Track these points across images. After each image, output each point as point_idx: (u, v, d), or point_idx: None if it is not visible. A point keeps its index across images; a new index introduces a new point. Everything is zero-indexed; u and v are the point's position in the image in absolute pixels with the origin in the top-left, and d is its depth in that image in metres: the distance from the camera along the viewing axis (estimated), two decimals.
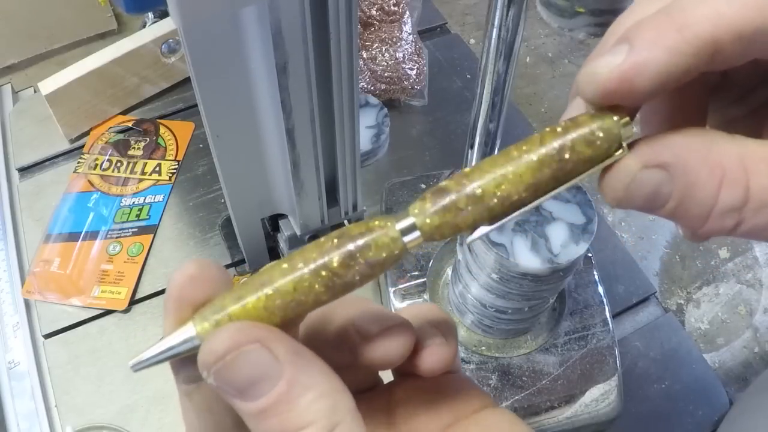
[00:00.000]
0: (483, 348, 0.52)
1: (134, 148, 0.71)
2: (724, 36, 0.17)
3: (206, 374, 0.18)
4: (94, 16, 0.83)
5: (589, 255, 0.57)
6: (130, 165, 0.69)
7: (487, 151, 0.50)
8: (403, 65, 0.72)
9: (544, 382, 0.51)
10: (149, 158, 0.70)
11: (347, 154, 0.47)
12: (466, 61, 0.80)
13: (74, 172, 0.69)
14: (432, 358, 0.22)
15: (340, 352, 0.22)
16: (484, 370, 0.52)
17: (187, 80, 0.75)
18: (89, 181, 0.68)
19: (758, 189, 0.17)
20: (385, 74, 0.72)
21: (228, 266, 0.62)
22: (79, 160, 0.70)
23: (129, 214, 0.65)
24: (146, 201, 0.66)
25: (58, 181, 0.68)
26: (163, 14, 0.76)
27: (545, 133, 0.19)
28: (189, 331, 0.19)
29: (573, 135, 0.18)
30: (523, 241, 0.41)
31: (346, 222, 0.54)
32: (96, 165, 0.69)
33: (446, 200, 0.19)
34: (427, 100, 0.74)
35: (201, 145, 0.71)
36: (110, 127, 0.72)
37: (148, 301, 0.60)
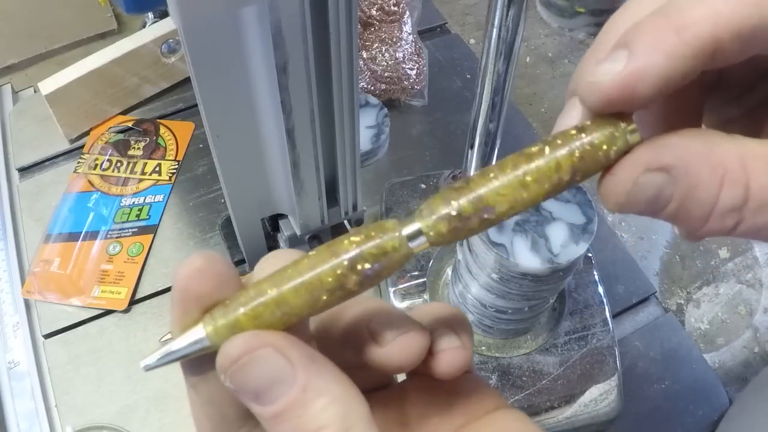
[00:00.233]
0: (483, 348, 0.52)
1: (134, 148, 0.71)
2: (723, 35, 0.16)
3: (223, 377, 0.18)
4: (94, 16, 0.83)
5: (589, 255, 0.57)
6: (130, 165, 0.69)
7: (487, 151, 0.50)
8: (403, 65, 0.72)
9: (544, 382, 0.51)
10: (149, 158, 0.70)
11: (347, 154, 0.47)
12: (466, 61, 0.80)
13: (74, 172, 0.69)
14: (448, 362, 0.22)
15: (353, 352, 0.22)
16: (484, 370, 0.52)
17: (187, 80, 0.75)
18: (89, 181, 0.68)
19: (758, 188, 0.17)
20: (385, 74, 0.72)
21: None
22: (79, 160, 0.70)
23: (129, 214, 0.65)
24: (146, 201, 0.66)
25: (58, 181, 0.68)
26: (163, 14, 0.76)
27: (552, 142, 0.19)
28: (199, 332, 0.19)
29: (582, 145, 0.18)
30: (523, 241, 0.41)
31: (346, 222, 0.54)
32: (96, 165, 0.69)
33: (453, 207, 0.19)
34: (427, 100, 0.74)
35: (201, 145, 0.71)
36: (110, 127, 0.72)
37: (148, 301, 0.60)
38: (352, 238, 0.19)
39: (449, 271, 0.57)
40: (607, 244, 0.66)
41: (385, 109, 0.70)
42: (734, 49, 0.17)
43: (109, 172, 0.68)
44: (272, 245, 0.57)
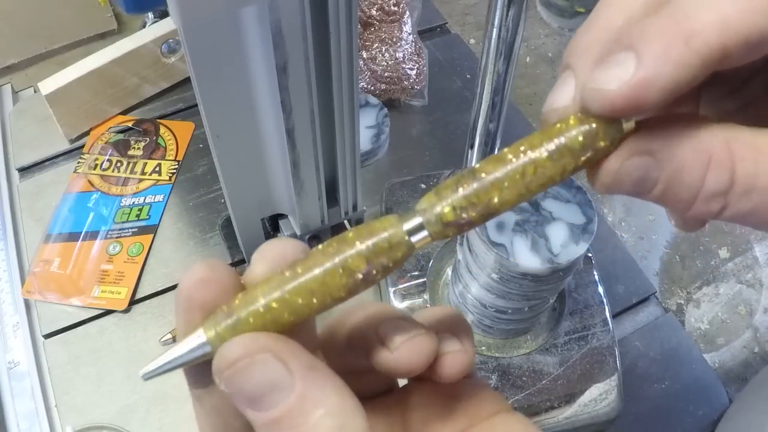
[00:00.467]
0: (483, 348, 0.52)
1: (134, 148, 0.71)
2: (732, 43, 0.16)
3: (218, 380, 0.18)
4: (94, 16, 0.83)
5: (589, 255, 0.57)
6: (130, 165, 0.69)
7: (487, 151, 0.50)
8: (403, 65, 0.72)
9: (544, 382, 0.51)
10: (149, 158, 0.70)
11: (347, 154, 0.47)
12: (466, 61, 0.80)
13: (74, 172, 0.69)
14: (450, 365, 0.22)
15: (359, 355, 0.22)
16: (484, 370, 0.52)
17: (187, 80, 0.75)
18: (89, 181, 0.68)
19: (743, 174, 0.17)
20: (385, 74, 0.72)
21: None
22: (79, 160, 0.70)
23: (129, 214, 0.65)
24: (146, 201, 0.66)
25: (58, 181, 0.68)
26: (163, 14, 0.76)
27: (551, 133, 0.19)
28: (199, 338, 0.19)
29: (580, 134, 0.18)
30: (523, 241, 0.41)
31: (346, 222, 0.54)
32: (96, 165, 0.69)
33: (453, 200, 0.19)
34: (427, 100, 0.74)
35: (201, 145, 0.71)
36: (110, 127, 0.72)
37: (148, 301, 0.60)
38: (353, 236, 0.19)
39: (449, 271, 0.57)
40: (607, 244, 0.66)
41: (385, 109, 0.70)
42: (741, 55, 0.17)
43: (109, 172, 0.68)
44: None
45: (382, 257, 0.19)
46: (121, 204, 0.66)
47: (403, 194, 0.61)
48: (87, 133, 0.72)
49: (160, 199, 0.66)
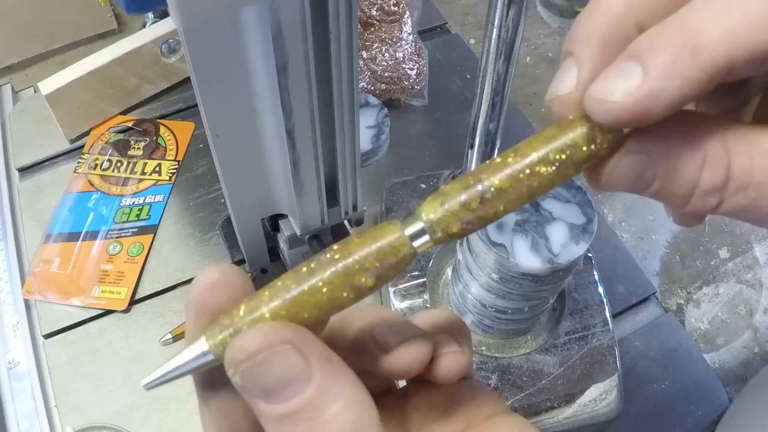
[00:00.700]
0: (483, 348, 0.52)
1: (134, 148, 0.71)
2: (739, 57, 0.16)
3: (233, 371, 0.18)
4: (94, 16, 0.83)
5: (589, 255, 0.57)
6: (130, 165, 0.69)
7: (487, 151, 0.50)
8: (403, 65, 0.72)
9: (544, 382, 0.51)
10: (149, 158, 0.70)
11: (347, 154, 0.47)
12: (466, 61, 0.80)
13: (74, 172, 0.69)
14: (447, 366, 0.22)
15: (357, 358, 0.22)
16: (484, 370, 0.52)
17: (187, 80, 0.75)
18: (89, 181, 0.68)
19: (739, 169, 0.17)
20: (385, 74, 0.72)
21: None
22: (79, 160, 0.70)
23: (129, 214, 0.65)
24: (146, 201, 0.66)
25: (58, 181, 0.68)
26: (163, 14, 0.76)
27: (551, 135, 0.18)
28: (201, 347, 0.18)
29: (581, 135, 0.18)
30: (523, 241, 0.41)
31: (346, 222, 0.54)
32: (96, 165, 0.69)
33: (454, 204, 0.19)
34: (427, 100, 0.74)
35: (201, 145, 0.71)
36: (110, 127, 0.72)
37: (148, 301, 0.60)
38: (356, 242, 0.19)
39: (449, 271, 0.57)
40: (607, 244, 0.66)
41: (385, 109, 0.70)
42: (747, 68, 0.17)
43: (109, 172, 0.68)
44: (272, 245, 0.57)
45: (386, 263, 0.18)
46: (121, 204, 0.66)
47: (403, 194, 0.61)
48: (87, 133, 0.72)
49: (160, 199, 0.66)
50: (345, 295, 0.18)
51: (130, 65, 0.70)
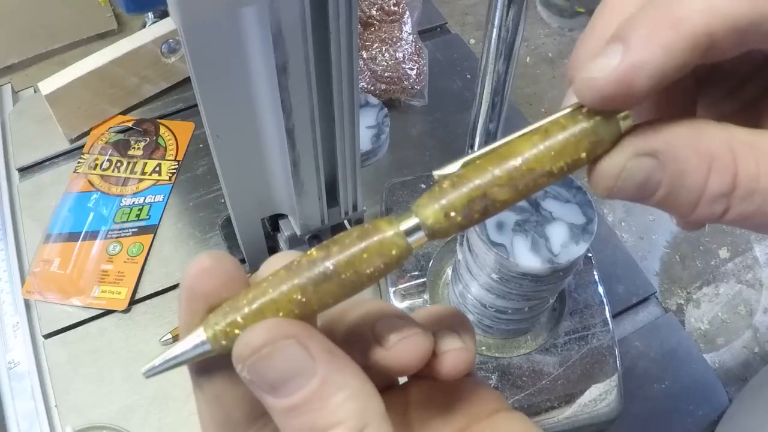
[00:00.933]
0: (483, 348, 0.52)
1: (134, 148, 0.71)
2: (719, 30, 0.16)
3: (240, 367, 0.18)
4: (94, 16, 0.83)
5: (589, 255, 0.57)
6: (130, 165, 0.69)
7: None
8: (403, 65, 0.72)
9: (544, 382, 0.51)
10: (149, 158, 0.70)
11: (347, 154, 0.47)
12: (466, 61, 0.80)
13: (74, 172, 0.69)
14: (450, 363, 0.22)
15: (354, 353, 0.22)
16: (484, 370, 0.52)
17: (187, 80, 0.75)
18: (89, 181, 0.68)
19: (746, 176, 0.17)
20: (385, 74, 0.72)
21: None
22: (79, 160, 0.70)
23: (129, 214, 0.65)
24: (146, 201, 0.66)
25: (58, 181, 0.68)
26: (163, 14, 0.76)
27: (548, 130, 0.19)
28: (198, 337, 0.19)
29: (578, 132, 0.18)
30: (523, 241, 0.41)
31: (346, 222, 0.54)
32: (96, 165, 0.69)
33: (449, 200, 0.19)
34: (427, 100, 0.74)
35: (201, 145, 0.71)
36: (110, 127, 0.72)
37: (148, 301, 0.60)
38: (353, 236, 0.19)
39: (449, 271, 0.57)
40: (607, 244, 0.66)
41: (385, 109, 0.70)
42: (730, 43, 0.17)
43: (109, 172, 0.68)
44: (272, 245, 0.57)
45: (380, 258, 0.18)
46: (121, 204, 0.66)
47: (403, 194, 0.61)
48: (87, 133, 0.72)
49: (160, 199, 0.66)
50: (339, 288, 0.19)
51: (130, 65, 0.70)
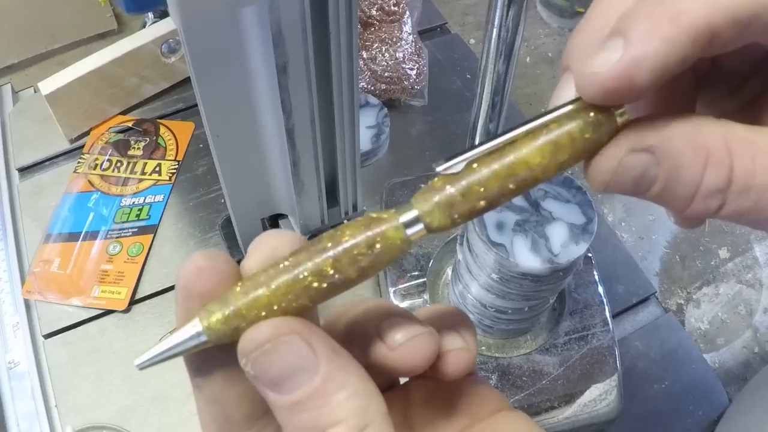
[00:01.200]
0: (483, 348, 0.52)
1: (134, 148, 0.71)
2: (720, 22, 0.16)
3: (245, 362, 0.18)
4: (94, 16, 0.83)
5: (589, 255, 0.57)
6: (130, 165, 0.69)
7: None
8: (403, 65, 0.72)
9: (543, 382, 0.51)
10: (149, 158, 0.70)
11: (347, 154, 0.47)
12: (466, 61, 0.80)
13: (74, 172, 0.69)
14: (452, 362, 0.22)
15: (355, 351, 0.22)
16: (484, 370, 0.52)
17: (187, 80, 0.75)
18: (89, 181, 0.68)
19: (742, 172, 0.17)
20: (385, 74, 0.72)
21: None
22: (79, 160, 0.70)
23: (129, 214, 0.65)
24: (146, 201, 0.66)
25: (58, 181, 0.68)
26: (163, 14, 0.76)
27: (545, 125, 0.19)
28: (194, 327, 0.19)
29: (574, 127, 0.18)
30: (523, 241, 0.41)
31: (346, 222, 0.54)
32: (96, 165, 0.69)
33: (448, 193, 0.19)
34: (427, 100, 0.74)
35: (201, 145, 0.71)
36: (110, 127, 0.72)
37: (148, 301, 0.60)
38: (351, 228, 0.19)
39: (449, 271, 0.57)
40: (607, 244, 0.66)
41: (385, 109, 0.70)
42: (730, 35, 0.17)
43: (109, 172, 0.68)
44: None
45: (377, 251, 0.18)
46: (121, 204, 0.66)
47: (403, 194, 0.62)
48: (87, 133, 0.72)
49: (160, 199, 0.66)
50: (338, 279, 0.19)
51: (130, 65, 0.70)
